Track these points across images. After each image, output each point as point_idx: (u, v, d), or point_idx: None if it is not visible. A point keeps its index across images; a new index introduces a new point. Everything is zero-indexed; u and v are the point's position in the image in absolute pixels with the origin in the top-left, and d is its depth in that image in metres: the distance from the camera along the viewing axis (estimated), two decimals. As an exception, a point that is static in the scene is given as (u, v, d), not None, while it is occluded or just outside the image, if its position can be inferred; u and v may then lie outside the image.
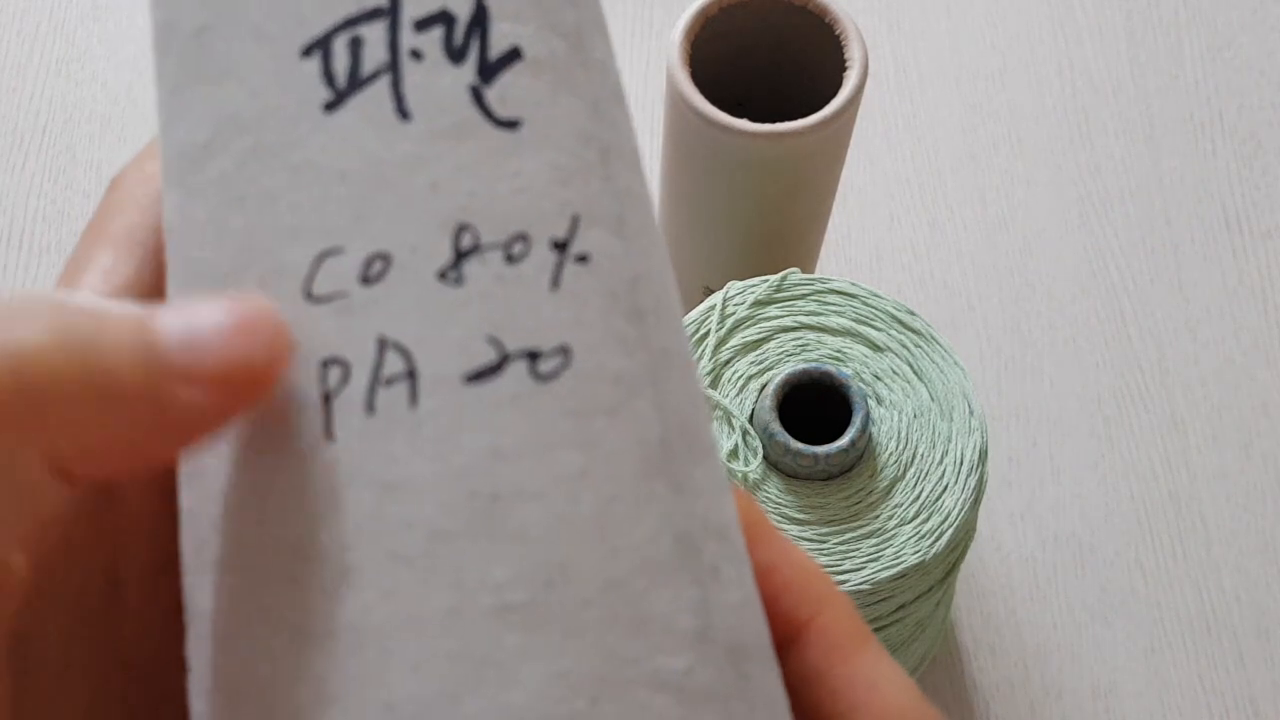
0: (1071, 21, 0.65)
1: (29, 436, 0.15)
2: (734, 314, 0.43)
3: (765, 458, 0.41)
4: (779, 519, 0.40)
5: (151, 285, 0.19)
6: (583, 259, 0.18)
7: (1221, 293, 0.58)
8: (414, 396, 0.16)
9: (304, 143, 0.17)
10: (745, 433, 0.41)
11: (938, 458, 0.40)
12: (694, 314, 0.43)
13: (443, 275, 0.17)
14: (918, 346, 0.42)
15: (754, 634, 0.17)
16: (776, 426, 0.40)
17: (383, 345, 0.17)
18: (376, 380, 0.17)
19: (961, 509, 0.40)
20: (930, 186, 0.61)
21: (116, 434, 0.16)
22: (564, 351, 0.17)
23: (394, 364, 0.17)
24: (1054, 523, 0.54)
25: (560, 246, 0.17)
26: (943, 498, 0.40)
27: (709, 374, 0.42)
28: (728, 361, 0.42)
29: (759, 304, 0.43)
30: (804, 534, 0.40)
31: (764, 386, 0.42)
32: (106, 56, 0.63)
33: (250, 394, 0.16)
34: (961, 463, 0.40)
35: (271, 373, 0.17)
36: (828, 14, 0.44)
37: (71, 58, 0.63)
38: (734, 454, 0.41)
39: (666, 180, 0.48)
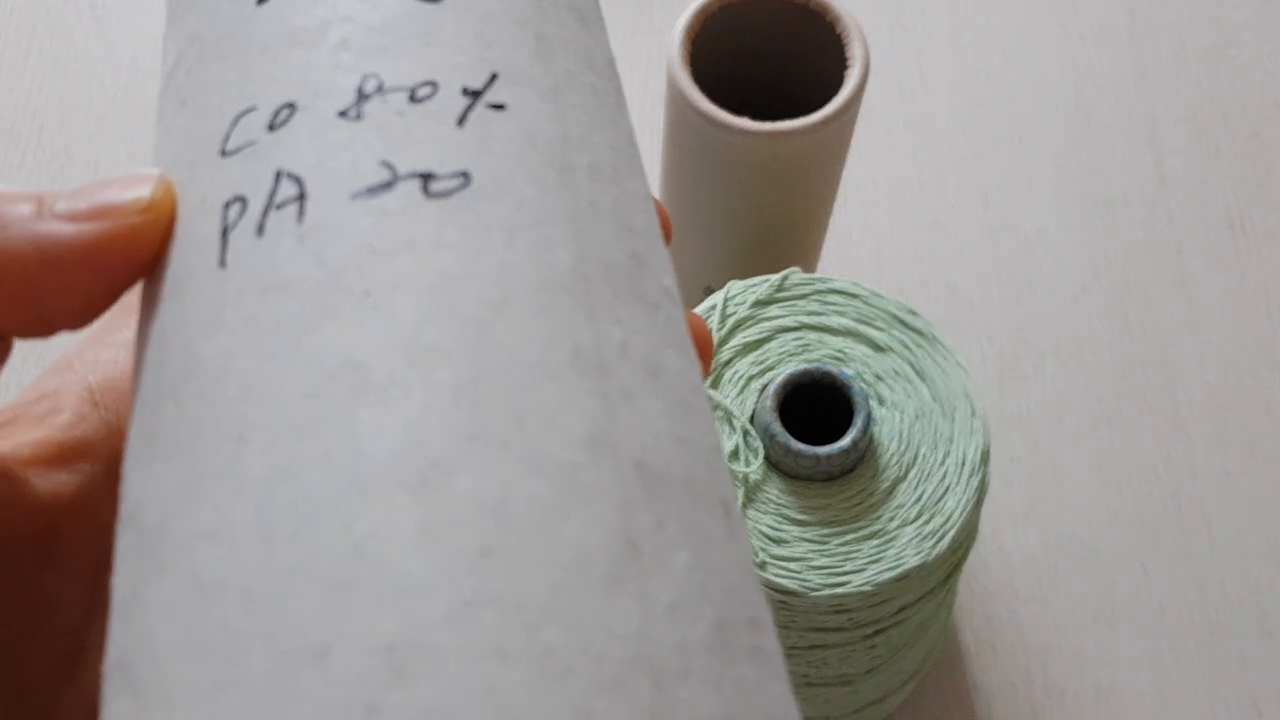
0: (1074, 20, 0.65)
1: None
2: (735, 314, 0.42)
3: (766, 458, 0.40)
4: (780, 520, 0.40)
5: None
6: (498, 107, 0.17)
7: (1225, 293, 0.58)
8: (301, 214, 0.16)
9: (235, 34, 0.18)
10: (746, 433, 0.41)
11: (940, 458, 0.40)
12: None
13: (343, 113, 0.17)
14: (919, 347, 0.42)
15: (687, 470, 0.16)
16: (778, 427, 0.40)
17: (279, 177, 0.17)
18: (269, 207, 0.17)
19: (964, 510, 0.39)
20: (932, 186, 0.60)
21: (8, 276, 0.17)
22: (463, 176, 0.17)
23: (287, 190, 0.17)
24: (1056, 524, 0.53)
25: (473, 94, 0.17)
26: (945, 499, 0.40)
27: (709, 374, 0.42)
28: (728, 361, 0.42)
29: (760, 304, 0.43)
30: (805, 535, 0.39)
31: (765, 387, 0.41)
32: (104, 56, 0.62)
33: (122, 216, 0.17)
34: (964, 464, 0.40)
35: (147, 203, 0.18)
36: (829, 12, 0.44)
37: (69, 57, 0.62)
38: (735, 454, 0.40)
39: (667, 180, 0.48)
